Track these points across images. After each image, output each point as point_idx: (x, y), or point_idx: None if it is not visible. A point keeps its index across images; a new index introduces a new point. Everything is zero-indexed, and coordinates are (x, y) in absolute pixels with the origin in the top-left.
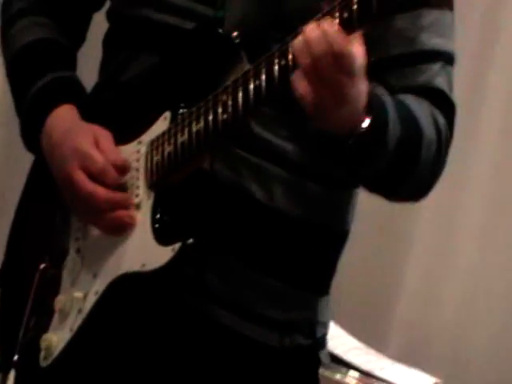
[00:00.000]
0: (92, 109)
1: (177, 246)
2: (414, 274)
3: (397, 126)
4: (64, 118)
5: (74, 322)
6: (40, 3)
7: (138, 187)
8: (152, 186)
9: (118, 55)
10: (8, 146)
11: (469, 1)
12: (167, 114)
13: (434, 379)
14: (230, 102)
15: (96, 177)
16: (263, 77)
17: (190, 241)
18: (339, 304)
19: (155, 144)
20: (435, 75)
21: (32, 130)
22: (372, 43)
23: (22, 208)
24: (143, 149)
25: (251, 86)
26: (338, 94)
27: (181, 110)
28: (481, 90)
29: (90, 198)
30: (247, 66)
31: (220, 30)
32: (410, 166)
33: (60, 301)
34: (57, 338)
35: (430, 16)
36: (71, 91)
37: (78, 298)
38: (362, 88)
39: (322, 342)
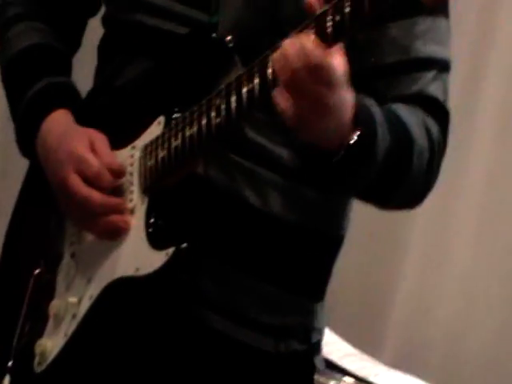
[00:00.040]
0: (87, 114)
1: (170, 250)
2: (409, 280)
3: (386, 136)
4: (59, 123)
5: (68, 327)
6: (36, 8)
7: (132, 192)
8: (146, 190)
9: (112, 60)
10: (4, 150)
11: (463, 7)
12: (161, 119)
13: None
14: (223, 106)
15: (91, 181)
16: (256, 80)
17: (184, 245)
18: (334, 310)
19: (149, 149)
20: (429, 83)
21: (27, 135)
22: (366, 51)
23: (17, 213)
24: (137, 153)
25: (244, 90)
26: (318, 106)
27: (175, 115)
28: (475, 98)
29: (85, 202)
30: (241, 70)
31: (214, 35)
32: (401, 176)
33: (55, 306)
34: (51, 344)
35: (425, 24)
36: (66, 96)
37: (73, 302)
38: (345, 99)
39: (317, 347)
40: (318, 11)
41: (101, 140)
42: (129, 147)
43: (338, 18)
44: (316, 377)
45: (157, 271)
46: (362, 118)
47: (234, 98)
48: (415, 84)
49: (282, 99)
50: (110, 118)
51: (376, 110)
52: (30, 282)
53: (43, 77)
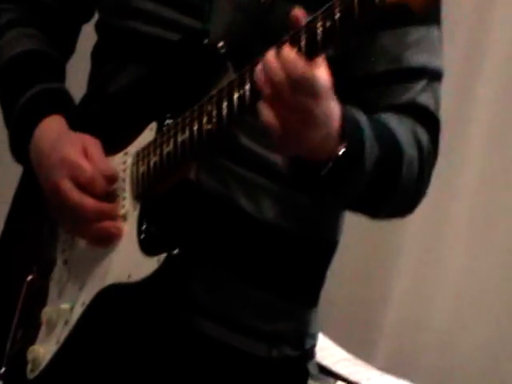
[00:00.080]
0: (80, 120)
1: (162, 256)
2: (402, 285)
3: (374, 146)
4: (52, 128)
5: (60, 333)
6: (29, 15)
7: (124, 198)
8: (138, 196)
9: (106, 66)
10: None
11: (456, 15)
12: (153, 125)
13: None
14: (214, 112)
15: (84, 186)
16: (247, 86)
17: (176, 251)
18: (327, 315)
19: (141, 155)
20: (420, 92)
21: (20, 141)
22: (359, 60)
23: (10, 219)
24: (129, 160)
25: (235, 96)
26: (303, 117)
27: (167, 121)
28: (467, 105)
29: (77, 207)
30: (233, 77)
31: (205, 41)
32: (390, 186)
33: (47, 312)
34: (44, 350)
35: (418, 33)
36: (59, 102)
37: (65, 309)
38: (331, 110)
39: (310, 353)
40: (304, 23)
41: (94, 145)
42: (121, 153)
43: (326, 25)
44: (309, 382)
45: (149, 278)
46: (349, 130)
47: (225, 104)
48: (407, 93)
49: (266, 111)
50: (102, 124)
51: (364, 121)
52: (22, 289)
53: (36, 83)
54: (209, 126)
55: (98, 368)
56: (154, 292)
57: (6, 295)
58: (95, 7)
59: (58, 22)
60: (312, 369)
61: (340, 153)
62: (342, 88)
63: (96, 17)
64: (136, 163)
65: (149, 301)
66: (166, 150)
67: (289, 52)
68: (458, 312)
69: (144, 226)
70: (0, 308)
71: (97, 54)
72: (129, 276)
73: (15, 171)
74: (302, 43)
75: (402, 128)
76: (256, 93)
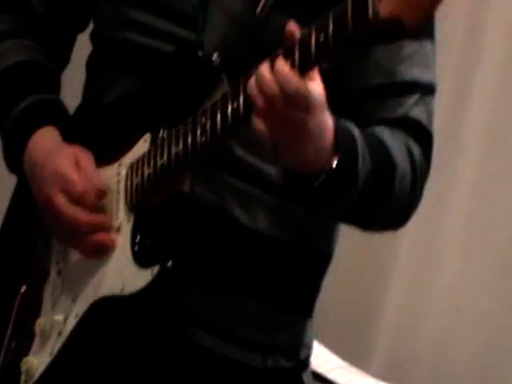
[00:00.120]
0: (74, 130)
1: (156, 268)
2: (397, 292)
3: (367, 159)
4: (45, 140)
5: (54, 345)
6: (23, 25)
7: (118, 209)
8: (132, 208)
9: (101, 77)
10: None
11: (449, 28)
12: (147, 136)
13: None
14: (208, 124)
15: (76, 200)
16: (241, 99)
17: (170, 263)
18: (323, 323)
19: (135, 166)
20: (413, 106)
21: (14, 152)
22: (352, 74)
23: (4, 230)
24: (124, 171)
25: (229, 108)
26: (296, 131)
27: (161, 132)
28: (461, 118)
29: (71, 221)
30: (227, 88)
31: (200, 53)
32: (383, 199)
33: (41, 323)
34: (37, 361)
35: (411, 47)
36: (53, 113)
37: (59, 320)
38: (324, 122)
39: (305, 363)
40: (298, 36)
41: (86, 159)
42: (115, 164)
43: (320, 39)
44: None
45: (142, 290)
46: (342, 142)
47: (219, 116)
48: (400, 107)
49: (259, 124)
50: (97, 135)
51: (357, 134)
52: (16, 300)
53: (29, 94)
54: (203, 139)
55: (91, 380)
56: (148, 304)
57: (0, 306)
58: (90, 17)
59: (53, 32)
60: (307, 379)
61: (333, 165)
62: (336, 101)
63: (91, 26)
64: (130, 174)
65: (142, 313)
66: (159, 162)
67: (282, 65)
68: (454, 320)
69: (138, 238)
70: None
71: (92, 64)
72: (122, 288)
73: (10, 181)
74: (296, 57)
75: (394, 142)
76: (249, 105)
